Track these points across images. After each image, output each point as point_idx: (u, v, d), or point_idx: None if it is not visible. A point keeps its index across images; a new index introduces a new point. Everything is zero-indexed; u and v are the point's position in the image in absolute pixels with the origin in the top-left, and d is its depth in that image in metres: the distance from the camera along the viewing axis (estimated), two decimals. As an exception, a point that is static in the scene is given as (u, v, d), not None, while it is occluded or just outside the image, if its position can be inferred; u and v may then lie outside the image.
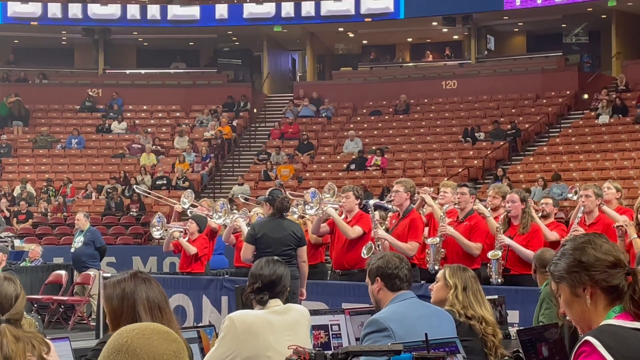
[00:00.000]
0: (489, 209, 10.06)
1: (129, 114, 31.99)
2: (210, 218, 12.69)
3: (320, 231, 10.94)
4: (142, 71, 35.14)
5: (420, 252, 10.19)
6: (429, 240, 9.96)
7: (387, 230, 10.45)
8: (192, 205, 13.70)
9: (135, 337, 2.42)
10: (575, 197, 10.26)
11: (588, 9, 30.36)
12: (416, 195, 10.76)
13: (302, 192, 13.11)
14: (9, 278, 4.05)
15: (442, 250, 9.89)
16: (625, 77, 28.38)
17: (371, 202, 10.84)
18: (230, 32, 34.20)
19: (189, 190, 15.71)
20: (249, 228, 10.66)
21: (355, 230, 10.49)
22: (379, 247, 10.05)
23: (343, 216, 10.72)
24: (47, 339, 4.09)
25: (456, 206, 10.09)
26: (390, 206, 10.80)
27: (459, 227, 9.90)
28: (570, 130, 27.26)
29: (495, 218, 9.92)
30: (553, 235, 9.56)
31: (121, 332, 2.46)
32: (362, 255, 10.31)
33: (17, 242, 20.66)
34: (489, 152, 26.57)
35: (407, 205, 10.21)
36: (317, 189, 11.49)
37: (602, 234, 3.06)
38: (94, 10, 32.41)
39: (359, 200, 10.79)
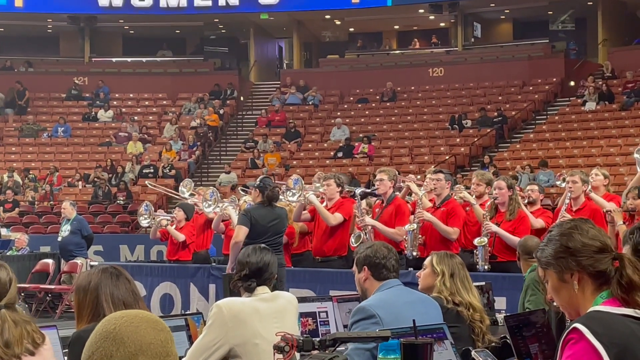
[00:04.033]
0: (474, 196, 10.10)
1: (115, 102, 31.90)
2: (202, 206, 12.65)
3: (301, 218, 10.99)
4: (129, 59, 35.04)
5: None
6: (407, 227, 9.99)
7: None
8: (191, 194, 13.66)
9: (124, 324, 2.41)
10: (563, 184, 10.29)
11: (574, -4, 30.44)
12: (402, 183, 10.83)
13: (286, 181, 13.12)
14: (0, 264, 4.06)
15: (420, 236, 9.94)
16: (611, 64, 28.43)
17: (358, 190, 10.89)
18: (217, 20, 34.11)
19: (187, 179, 15.68)
20: (241, 212, 10.65)
21: (336, 217, 10.55)
22: (366, 234, 10.09)
23: (324, 204, 10.77)
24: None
25: (433, 192, 10.18)
26: (378, 193, 10.85)
27: (435, 213, 9.98)
28: (556, 117, 27.31)
29: (481, 205, 9.95)
30: (538, 223, 9.60)
31: (109, 319, 2.45)
32: (351, 243, 10.35)
33: (3, 231, 20.58)
34: (475, 139, 26.60)
35: (391, 193, 10.28)
36: (305, 177, 11.52)
37: (588, 219, 3.06)
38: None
39: (340, 187, 10.83)
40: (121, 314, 2.47)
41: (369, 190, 11.69)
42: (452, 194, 10.22)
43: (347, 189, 11.20)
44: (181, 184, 14.17)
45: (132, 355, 2.37)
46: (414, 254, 9.80)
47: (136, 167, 27.23)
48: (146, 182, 23.05)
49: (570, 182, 9.55)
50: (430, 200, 10.26)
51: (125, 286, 4.29)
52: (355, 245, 10.06)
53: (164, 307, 12.20)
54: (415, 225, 9.92)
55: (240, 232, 9.90)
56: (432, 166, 21.01)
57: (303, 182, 11.05)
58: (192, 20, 33.38)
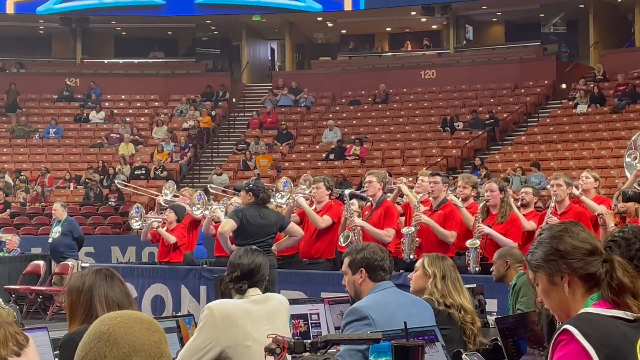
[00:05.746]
0: (460, 199, 10.10)
1: (107, 104, 31.84)
2: (190, 208, 12.64)
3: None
4: (120, 60, 34.99)
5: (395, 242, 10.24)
6: (404, 230, 10.00)
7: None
8: (174, 196, 13.66)
9: (118, 325, 2.41)
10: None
11: (566, -1, 30.47)
12: (393, 185, 10.84)
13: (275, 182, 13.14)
14: None
15: (417, 239, 9.94)
16: (603, 66, 28.48)
17: (347, 191, 10.91)
18: (209, 22, 34.09)
19: (170, 181, 15.67)
20: (233, 210, 10.66)
21: (325, 220, 10.59)
22: (355, 235, 10.10)
23: (313, 207, 10.79)
24: (25, 329, 4.09)
25: (429, 195, 10.16)
26: (366, 196, 10.87)
27: (433, 216, 9.97)
28: (548, 120, 27.35)
29: (468, 208, 9.96)
30: (530, 225, 9.61)
31: (103, 319, 2.45)
32: (339, 243, 10.37)
33: (-6, 233, 20.54)
34: (467, 141, 26.63)
35: (380, 196, 10.31)
36: (297, 179, 11.53)
37: (578, 222, 3.06)
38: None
39: (330, 191, 10.87)
40: (115, 314, 2.46)
41: (357, 192, 11.70)
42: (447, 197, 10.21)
43: (335, 191, 11.23)
44: (164, 186, 14.14)
45: (125, 356, 2.37)
46: (411, 257, 9.78)
47: (124, 168, 27.15)
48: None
49: (555, 185, 9.55)
50: (423, 203, 10.22)
51: (119, 288, 4.28)
52: (344, 245, 10.09)
53: (155, 308, 12.18)
54: (412, 229, 9.92)
55: (227, 225, 9.93)
56: (424, 168, 21.04)
57: (292, 184, 11.08)
58: (184, 21, 33.36)
